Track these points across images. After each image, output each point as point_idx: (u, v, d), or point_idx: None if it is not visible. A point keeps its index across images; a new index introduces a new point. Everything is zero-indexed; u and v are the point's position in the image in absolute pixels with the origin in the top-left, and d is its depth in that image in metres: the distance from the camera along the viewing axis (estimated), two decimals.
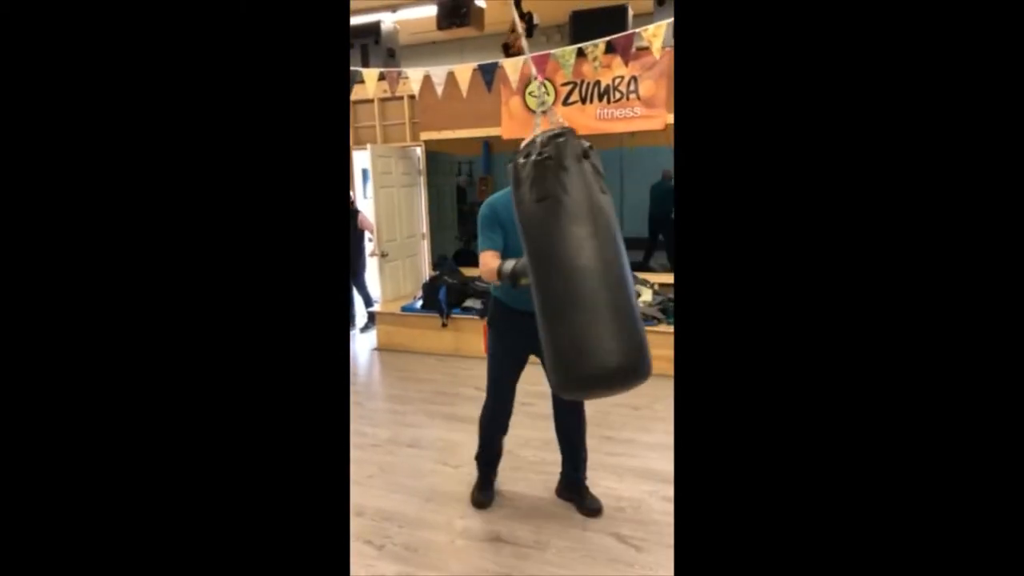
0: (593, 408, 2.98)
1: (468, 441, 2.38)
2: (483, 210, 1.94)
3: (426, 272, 5.02)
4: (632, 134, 3.96)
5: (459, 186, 5.08)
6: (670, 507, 2.07)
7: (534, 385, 3.34)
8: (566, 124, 1.36)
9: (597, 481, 2.26)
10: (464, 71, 3.45)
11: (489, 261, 1.84)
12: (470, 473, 2.30)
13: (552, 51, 3.34)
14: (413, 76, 3.51)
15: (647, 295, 3.66)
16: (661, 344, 3.45)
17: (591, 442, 2.60)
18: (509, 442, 2.59)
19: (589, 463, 2.39)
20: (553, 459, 2.44)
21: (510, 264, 1.72)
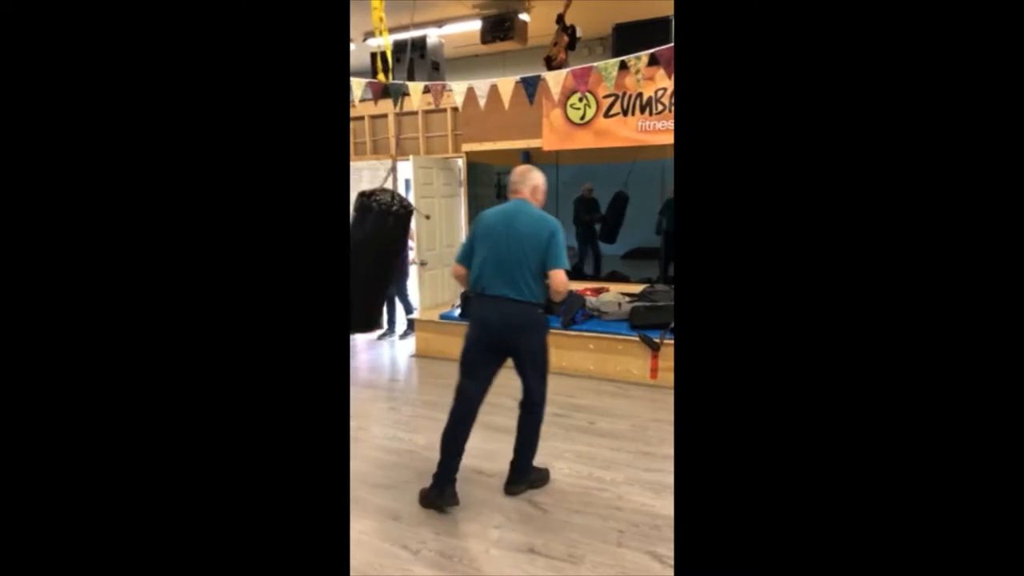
0: (630, 423, 2.96)
1: (504, 450, 2.39)
2: (560, 228, 2.15)
3: None
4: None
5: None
6: None
7: (570, 397, 3.34)
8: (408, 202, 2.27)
9: (632, 497, 2.23)
10: (507, 84, 3.49)
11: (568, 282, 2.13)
12: (504, 481, 2.31)
13: (594, 64, 3.35)
14: (457, 89, 3.58)
15: None
16: None
17: (627, 456, 2.58)
18: (545, 455, 2.59)
19: (625, 477, 2.39)
20: (587, 472, 2.42)
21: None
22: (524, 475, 2.30)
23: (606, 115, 3.96)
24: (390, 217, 2.18)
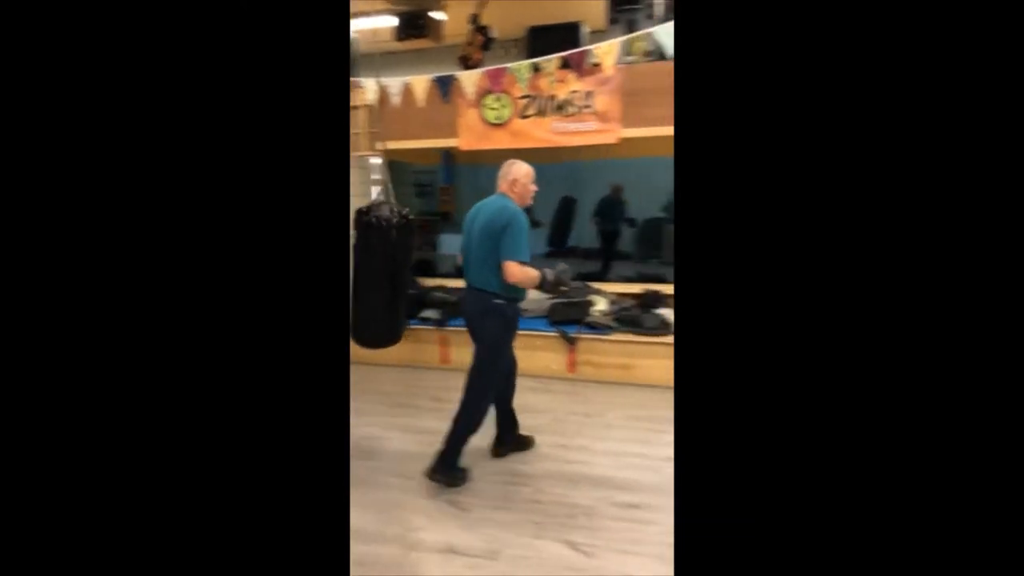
0: (550, 417, 3.03)
1: (426, 452, 2.38)
2: (521, 219, 2.18)
3: None
4: (589, 147, 4.05)
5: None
6: (621, 512, 2.13)
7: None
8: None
9: (550, 489, 2.30)
10: (421, 82, 3.47)
11: (530, 270, 2.14)
12: (426, 484, 2.31)
13: (508, 65, 3.40)
14: (370, 86, 3.51)
15: (602, 304, 3.74)
16: (614, 352, 3.53)
17: (546, 450, 2.65)
18: (465, 454, 2.61)
19: (543, 470, 2.46)
20: (506, 468, 2.47)
21: (552, 272, 2.21)
22: (444, 464, 2.29)
23: (522, 116, 4.01)
24: (392, 231, 2.22)
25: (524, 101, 3.99)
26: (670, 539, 1.98)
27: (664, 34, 3.16)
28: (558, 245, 4.76)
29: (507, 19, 4.38)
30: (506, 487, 2.32)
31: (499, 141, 4.07)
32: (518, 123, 4.02)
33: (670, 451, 2.67)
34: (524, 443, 2.61)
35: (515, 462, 2.53)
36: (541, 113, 3.96)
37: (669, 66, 3.65)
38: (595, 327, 3.61)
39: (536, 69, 3.43)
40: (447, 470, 2.30)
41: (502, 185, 2.30)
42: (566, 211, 4.71)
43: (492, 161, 4.68)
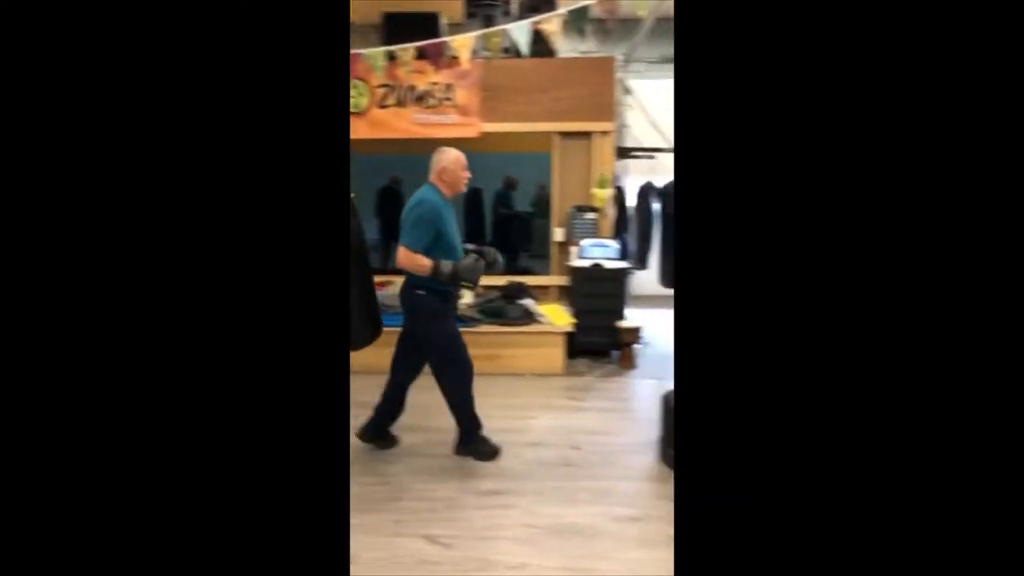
0: (417, 412, 2.96)
1: None
2: (427, 208, 2.19)
3: None
4: (448, 140, 4.03)
5: None
6: (483, 500, 2.16)
7: (357, 395, 3.23)
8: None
9: (411, 485, 2.27)
10: None
11: (420, 258, 2.15)
12: None
13: (362, 51, 3.27)
14: None
15: (468, 297, 3.76)
16: (481, 344, 3.57)
17: (410, 445, 2.60)
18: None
19: (407, 468, 2.43)
20: (371, 468, 2.39)
21: (448, 265, 2.18)
22: (466, 440, 2.41)
23: (381, 106, 3.90)
24: None
25: (383, 91, 3.87)
26: (530, 521, 2.05)
27: (519, 32, 3.23)
28: (474, 238, 4.72)
29: (362, 2, 4.21)
30: (368, 488, 2.24)
31: (358, 131, 3.91)
32: (377, 113, 3.90)
33: (533, 436, 2.76)
34: (390, 441, 2.55)
35: (378, 462, 2.46)
36: (401, 103, 3.88)
37: (526, 63, 3.76)
38: (462, 320, 3.62)
39: (392, 58, 3.34)
40: (470, 444, 2.40)
41: (431, 175, 2.27)
42: (475, 203, 4.66)
43: (351, 150, 4.48)
